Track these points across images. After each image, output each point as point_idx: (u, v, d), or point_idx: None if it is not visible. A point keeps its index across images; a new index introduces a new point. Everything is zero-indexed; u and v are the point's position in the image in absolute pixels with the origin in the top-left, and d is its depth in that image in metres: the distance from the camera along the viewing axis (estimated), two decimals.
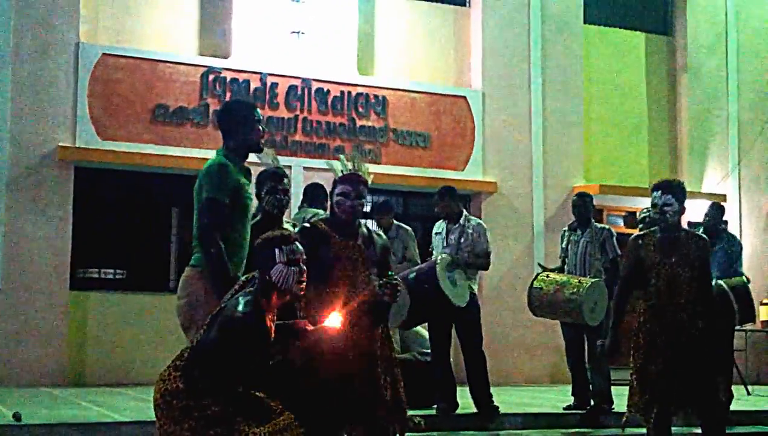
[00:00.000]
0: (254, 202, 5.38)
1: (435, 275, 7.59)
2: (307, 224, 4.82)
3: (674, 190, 5.66)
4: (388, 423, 4.68)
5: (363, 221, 4.94)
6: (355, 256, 4.70)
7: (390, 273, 4.77)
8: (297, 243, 4.16)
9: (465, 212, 8.24)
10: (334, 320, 4.28)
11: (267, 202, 5.94)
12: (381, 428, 4.67)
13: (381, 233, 5.06)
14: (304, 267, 4.16)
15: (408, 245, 8.68)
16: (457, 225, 8.03)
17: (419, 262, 8.01)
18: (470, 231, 8.00)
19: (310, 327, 4.33)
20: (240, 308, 4.01)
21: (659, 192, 5.66)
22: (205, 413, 3.90)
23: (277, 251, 4.10)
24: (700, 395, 5.58)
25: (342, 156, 4.91)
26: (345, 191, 4.73)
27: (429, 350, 8.27)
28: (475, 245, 7.99)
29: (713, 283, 7.54)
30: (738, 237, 9.05)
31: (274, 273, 4.08)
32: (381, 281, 4.66)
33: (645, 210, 8.60)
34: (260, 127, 5.03)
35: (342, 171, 4.81)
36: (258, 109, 5.11)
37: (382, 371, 4.66)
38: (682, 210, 5.69)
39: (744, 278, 8.50)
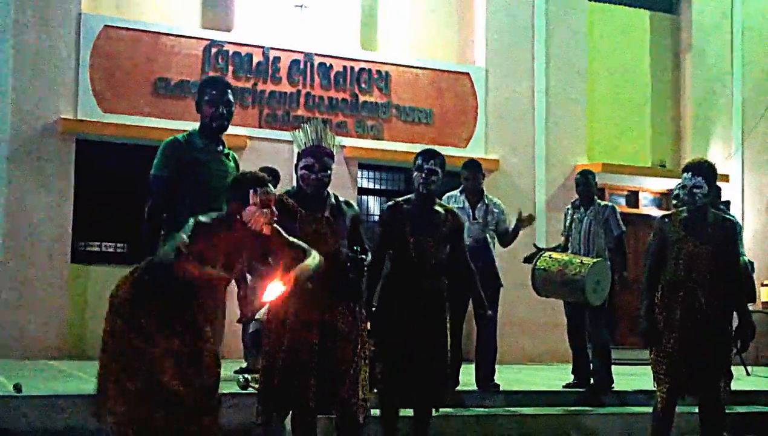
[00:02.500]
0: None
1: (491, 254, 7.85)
2: None
3: (705, 172, 5.62)
4: (353, 405, 4.64)
5: (333, 192, 4.87)
6: (323, 229, 4.63)
7: (355, 248, 4.71)
8: (270, 186, 4.17)
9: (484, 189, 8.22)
10: (274, 291, 4.23)
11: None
12: (348, 410, 4.64)
13: (352, 202, 4.98)
14: (275, 210, 4.18)
15: None
16: (481, 203, 8.00)
17: None
18: (496, 211, 8.00)
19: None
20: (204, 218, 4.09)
21: (689, 174, 5.62)
22: (144, 331, 4.06)
23: (251, 192, 4.12)
24: (705, 375, 5.56)
25: (306, 126, 4.79)
26: (308, 164, 4.66)
27: None
28: (498, 223, 8.00)
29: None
30: (736, 218, 9.00)
31: (246, 214, 4.11)
32: (348, 256, 4.62)
33: (678, 187, 8.55)
34: (215, 107, 4.97)
35: (305, 143, 4.72)
36: (221, 89, 5.03)
37: (340, 347, 4.63)
38: (711, 192, 5.65)
39: (745, 258, 8.48)
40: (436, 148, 6.07)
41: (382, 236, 5.67)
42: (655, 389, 5.72)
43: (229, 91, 5.16)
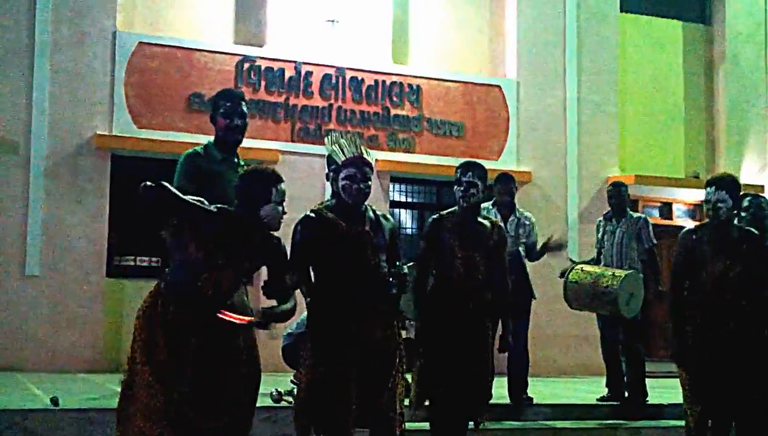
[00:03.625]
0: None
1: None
2: (311, 213, 4.71)
3: (728, 187, 5.52)
4: (391, 419, 4.65)
5: (369, 206, 4.86)
6: (364, 243, 4.62)
7: (398, 263, 4.70)
8: (283, 184, 4.27)
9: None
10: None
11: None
12: (386, 424, 4.65)
13: (389, 216, 4.94)
14: (285, 208, 4.27)
15: None
16: (512, 216, 7.99)
17: None
18: (527, 223, 7.99)
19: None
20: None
21: (713, 188, 5.52)
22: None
23: (273, 189, 4.20)
24: (740, 394, 5.48)
25: (342, 139, 4.78)
26: (351, 174, 4.62)
27: None
28: (529, 236, 7.99)
29: None
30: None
31: (265, 210, 4.17)
32: (390, 271, 4.63)
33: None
34: (230, 119, 5.08)
35: (345, 154, 4.74)
36: (235, 101, 5.15)
37: (379, 361, 4.63)
38: (735, 206, 5.56)
39: None
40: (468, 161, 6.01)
41: (426, 250, 5.66)
42: (686, 407, 5.62)
43: (243, 103, 5.25)
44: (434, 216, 5.76)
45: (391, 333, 4.72)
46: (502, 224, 6.04)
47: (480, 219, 5.66)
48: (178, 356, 4.04)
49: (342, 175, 4.67)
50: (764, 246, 5.64)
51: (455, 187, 5.65)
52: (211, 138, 5.29)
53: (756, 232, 5.72)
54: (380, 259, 4.67)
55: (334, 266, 4.60)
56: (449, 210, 5.74)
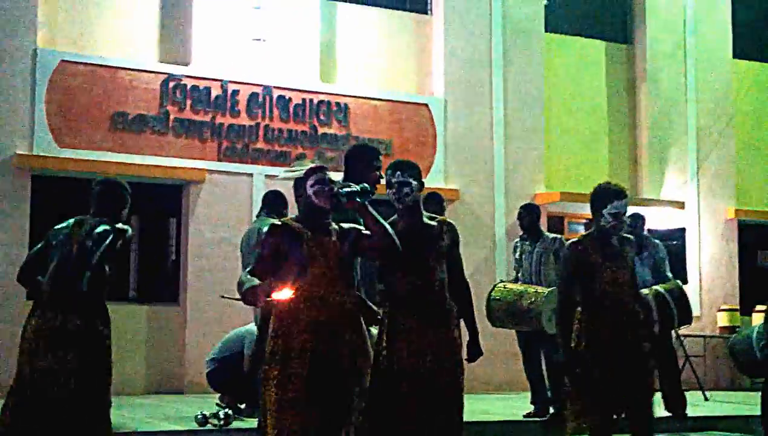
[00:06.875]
0: None
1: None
2: (277, 222, 4.75)
3: (413, 171, 5.19)
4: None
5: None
6: (331, 253, 4.62)
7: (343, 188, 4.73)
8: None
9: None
10: (284, 293, 4.32)
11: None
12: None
13: (354, 225, 4.84)
14: None
15: None
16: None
17: None
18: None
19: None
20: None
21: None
22: None
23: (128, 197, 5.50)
24: (634, 401, 5.58)
25: (295, 162, 4.90)
26: (321, 179, 4.66)
27: None
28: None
29: (651, 289, 7.83)
30: (661, 243, 9.23)
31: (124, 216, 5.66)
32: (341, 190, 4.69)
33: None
34: (374, 173, 5.44)
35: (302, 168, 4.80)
36: (376, 157, 5.56)
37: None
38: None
39: (677, 280, 8.64)
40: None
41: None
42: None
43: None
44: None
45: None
46: (451, 221, 5.35)
47: (425, 219, 5.14)
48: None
49: (310, 182, 4.67)
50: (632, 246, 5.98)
51: (387, 191, 5.12)
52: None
53: (632, 237, 6.09)
54: (347, 269, 4.67)
55: (302, 276, 4.51)
56: (392, 218, 5.17)
